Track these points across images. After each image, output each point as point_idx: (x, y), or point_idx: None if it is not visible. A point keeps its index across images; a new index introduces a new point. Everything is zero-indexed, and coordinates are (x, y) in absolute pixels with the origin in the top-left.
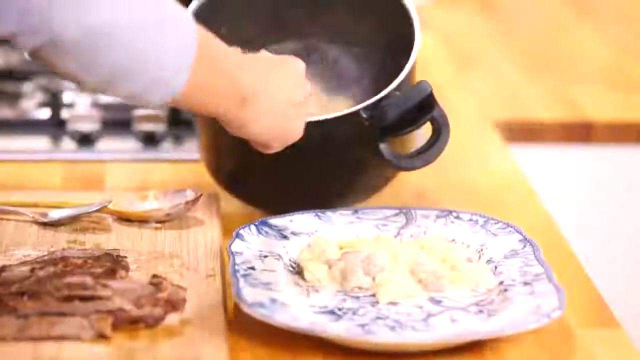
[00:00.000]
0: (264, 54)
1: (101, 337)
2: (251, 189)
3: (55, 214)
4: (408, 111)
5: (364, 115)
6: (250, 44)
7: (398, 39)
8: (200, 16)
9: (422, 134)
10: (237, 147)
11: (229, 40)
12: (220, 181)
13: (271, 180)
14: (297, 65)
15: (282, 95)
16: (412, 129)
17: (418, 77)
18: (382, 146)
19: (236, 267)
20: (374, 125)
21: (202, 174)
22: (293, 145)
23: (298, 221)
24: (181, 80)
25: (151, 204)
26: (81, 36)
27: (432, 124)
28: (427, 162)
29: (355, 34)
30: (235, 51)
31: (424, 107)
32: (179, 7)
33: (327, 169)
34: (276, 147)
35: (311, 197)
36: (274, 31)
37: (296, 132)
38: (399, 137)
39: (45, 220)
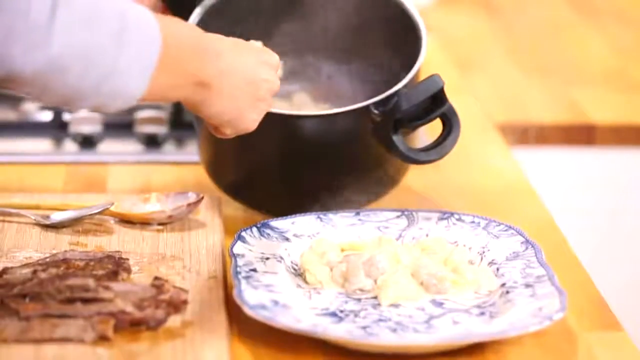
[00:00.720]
0: (238, 40)
1: (103, 339)
2: (257, 192)
3: (57, 216)
4: (420, 104)
5: (376, 111)
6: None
7: (401, 51)
8: (199, 23)
9: (423, 135)
10: (240, 151)
11: None
12: (223, 186)
13: (278, 182)
14: (268, 58)
15: (243, 84)
16: (423, 123)
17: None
18: (396, 138)
19: (238, 269)
20: (387, 118)
21: (204, 176)
22: (301, 142)
23: (300, 223)
24: (141, 90)
25: (153, 206)
26: (36, 71)
27: (442, 119)
28: (442, 155)
29: (355, 50)
30: (199, 36)
31: (436, 101)
32: (141, 15)
33: (338, 166)
34: (228, 133)
35: (321, 197)
36: (271, 47)
37: (250, 123)
38: (410, 130)
39: (47, 222)
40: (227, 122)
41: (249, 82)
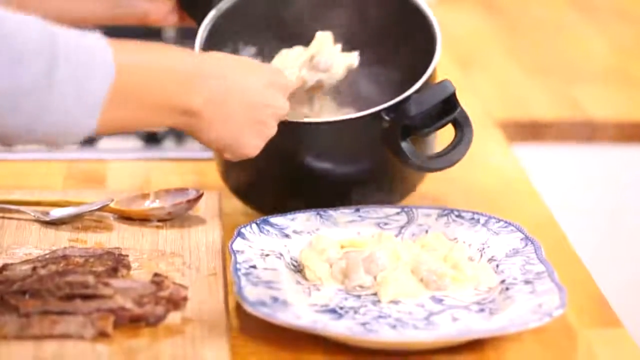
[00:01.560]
0: (242, 60)
1: (102, 335)
2: (266, 197)
3: (56, 213)
4: (430, 110)
5: (386, 117)
6: (271, 61)
7: (417, 54)
8: (214, 26)
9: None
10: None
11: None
12: (233, 190)
13: (288, 189)
14: (277, 79)
15: (242, 109)
16: (435, 129)
17: None
18: (405, 145)
19: (238, 265)
20: (395, 126)
21: (203, 172)
22: (309, 147)
23: (299, 220)
24: (90, 126)
25: (153, 203)
26: None
27: (454, 125)
28: (451, 164)
29: (376, 52)
30: (186, 61)
31: (446, 107)
32: (83, 49)
33: (349, 173)
34: (227, 157)
35: (334, 205)
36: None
37: (251, 149)
38: (419, 139)
39: (47, 219)
40: (225, 147)
41: (250, 106)
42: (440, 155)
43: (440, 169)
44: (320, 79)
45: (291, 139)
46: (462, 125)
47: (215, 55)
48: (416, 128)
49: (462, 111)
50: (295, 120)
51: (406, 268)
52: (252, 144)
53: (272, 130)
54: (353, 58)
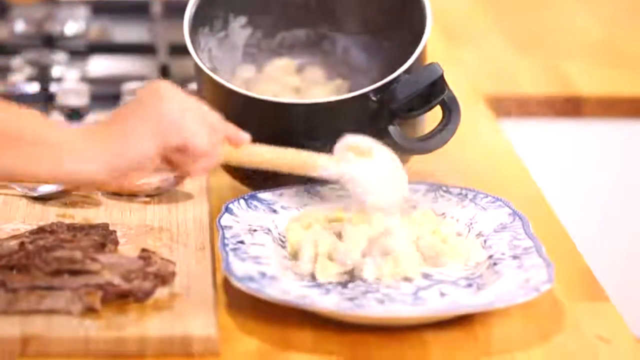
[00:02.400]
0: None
1: (90, 311)
2: (256, 176)
3: (44, 188)
4: (418, 93)
5: (373, 98)
6: (262, 31)
7: (408, 27)
8: (212, 6)
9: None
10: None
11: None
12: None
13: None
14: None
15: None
16: (422, 112)
17: None
18: (392, 128)
19: (225, 241)
20: (383, 108)
21: None
22: (299, 128)
23: (287, 195)
24: None
25: None
26: None
27: (442, 107)
28: (437, 146)
29: (366, 22)
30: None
31: (434, 90)
32: None
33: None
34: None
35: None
36: (285, 19)
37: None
38: (408, 120)
39: (34, 194)
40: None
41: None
42: (427, 137)
43: (427, 152)
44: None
45: (280, 119)
46: (450, 108)
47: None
48: (405, 111)
49: (450, 93)
50: (283, 100)
51: (407, 244)
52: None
53: (144, 174)
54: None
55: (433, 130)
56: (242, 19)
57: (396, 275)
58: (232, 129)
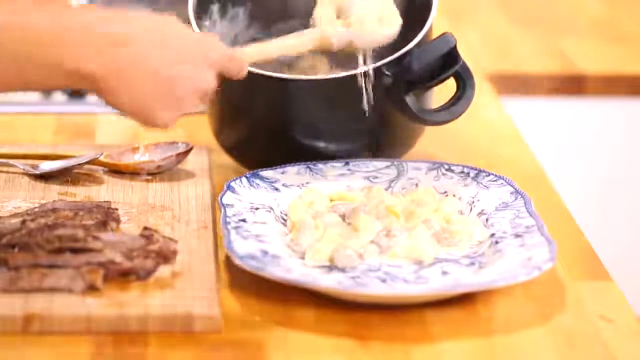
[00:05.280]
0: (160, 25)
1: (92, 289)
2: (259, 154)
3: (46, 166)
4: (433, 63)
5: (387, 73)
6: (259, 22)
7: (410, 12)
8: None
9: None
10: (245, 114)
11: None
12: (224, 146)
13: (288, 142)
14: (199, 51)
15: (151, 80)
16: (437, 83)
17: None
18: (409, 99)
19: (227, 219)
20: (398, 80)
21: (193, 126)
22: (308, 105)
23: (289, 173)
24: None
25: (142, 156)
26: None
27: (456, 78)
28: (454, 117)
29: None
30: (79, 21)
31: (448, 60)
32: None
33: (350, 127)
34: (141, 124)
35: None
36: (282, 10)
37: (162, 121)
38: (424, 91)
39: (36, 172)
40: (134, 115)
41: (159, 80)
42: (443, 108)
43: (446, 122)
44: (351, 39)
45: (291, 96)
46: (464, 78)
47: (123, 18)
48: (418, 82)
49: (464, 64)
50: (295, 77)
51: (421, 225)
52: (165, 116)
53: (190, 105)
54: (394, 27)
55: (449, 100)
56: (240, 10)
57: (410, 259)
58: (227, 61)
